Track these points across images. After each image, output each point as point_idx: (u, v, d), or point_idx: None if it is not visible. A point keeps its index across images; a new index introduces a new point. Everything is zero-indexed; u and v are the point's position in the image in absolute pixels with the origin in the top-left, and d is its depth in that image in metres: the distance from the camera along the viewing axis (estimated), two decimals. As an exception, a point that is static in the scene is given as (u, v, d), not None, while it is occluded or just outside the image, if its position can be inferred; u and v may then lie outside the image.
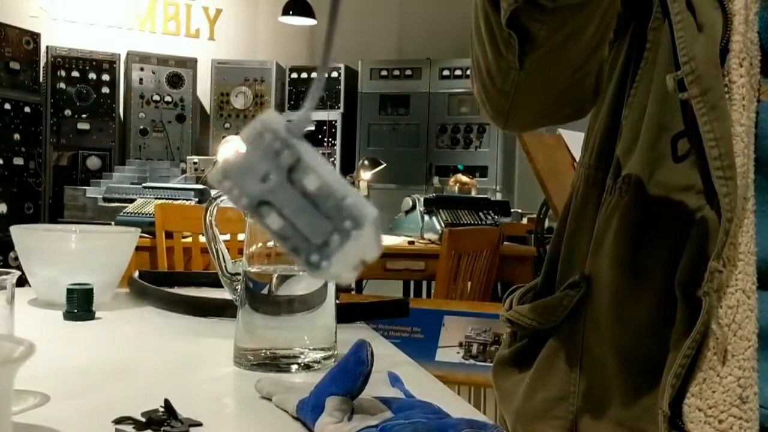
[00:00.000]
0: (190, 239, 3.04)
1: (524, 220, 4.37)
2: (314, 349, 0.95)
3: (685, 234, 0.76)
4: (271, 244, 0.97)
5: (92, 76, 5.80)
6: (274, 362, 0.94)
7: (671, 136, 0.78)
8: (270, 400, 0.80)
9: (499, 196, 5.66)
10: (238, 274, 0.99)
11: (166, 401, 0.73)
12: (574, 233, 0.89)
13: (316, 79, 0.47)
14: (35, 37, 5.54)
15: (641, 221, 0.80)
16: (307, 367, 0.94)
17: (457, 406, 0.79)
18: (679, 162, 0.78)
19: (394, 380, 0.82)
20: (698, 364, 0.73)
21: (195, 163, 4.64)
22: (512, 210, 4.46)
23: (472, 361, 2.34)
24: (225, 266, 1.06)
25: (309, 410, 0.70)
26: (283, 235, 0.46)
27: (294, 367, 0.94)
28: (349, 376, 0.68)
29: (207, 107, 6.41)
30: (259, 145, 0.46)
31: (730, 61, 0.75)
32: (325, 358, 0.95)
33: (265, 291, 0.96)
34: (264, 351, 0.94)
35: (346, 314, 1.15)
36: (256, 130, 0.46)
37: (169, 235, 3.02)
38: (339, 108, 6.18)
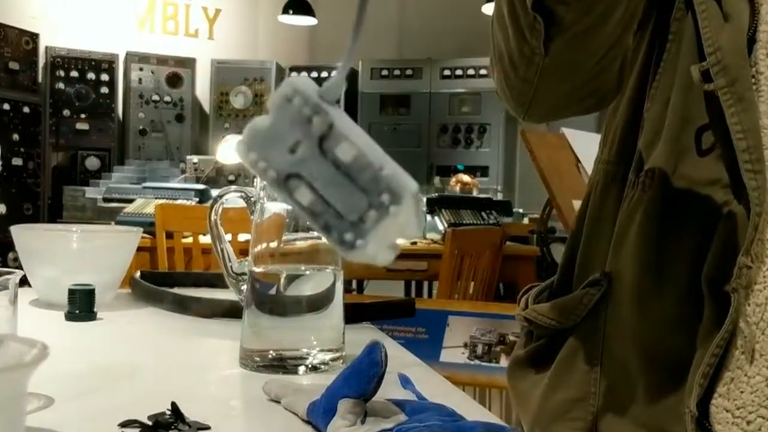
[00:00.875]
0: (190, 239, 3.02)
1: (525, 220, 4.35)
2: (322, 350, 0.93)
3: (712, 229, 0.74)
4: (274, 244, 0.95)
5: (91, 76, 5.78)
6: (281, 363, 0.92)
7: (695, 128, 0.76)
8: (278, 402, 0.78)
9: (500, 196, 5.65)
10: (244, 274, 0.97)
11: (173, 404, 0.71)
12: (593, 230, 0.87)
13: (351, 43, 0.43)
14: (34, 37, 5.52)
15: (665, 216, 0.78)
16: (314, 368, 0.92)
17: (471, 409, 0.78)
18: (703, 156, 0.76)
19: (405, 382, 0.80)
20: (725, 363, 0.71)
21: (195, 163, 4.63)
22: (513, 210, 4.45)
23: (477, 362, 2.32)
24: (230, 266, 1.04)
25: (320, 413, 0.69)
26: (313, 211, 0.42)
27: (301, 368, 0.92)
28: (362, 378, 0.66)
29: (206, 107, 6.39)
30: (287, 111, 0.42)
31: (757, 51, 0.73)
32: (333, 360, 0.94)
33: (271, 291, 0.95)
34: (270, 352, 0.93)
35: (351, 314, 1.13)
36: (284, 94, 0.42)
37: (169, 236, 3.00)
38: (339, 108, 6.16)
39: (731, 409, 0.71)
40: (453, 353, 2.33)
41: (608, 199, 0.85)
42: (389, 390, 0.74)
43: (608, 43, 0.76)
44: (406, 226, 0.42)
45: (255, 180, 0.97)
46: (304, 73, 6.28)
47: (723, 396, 0.71)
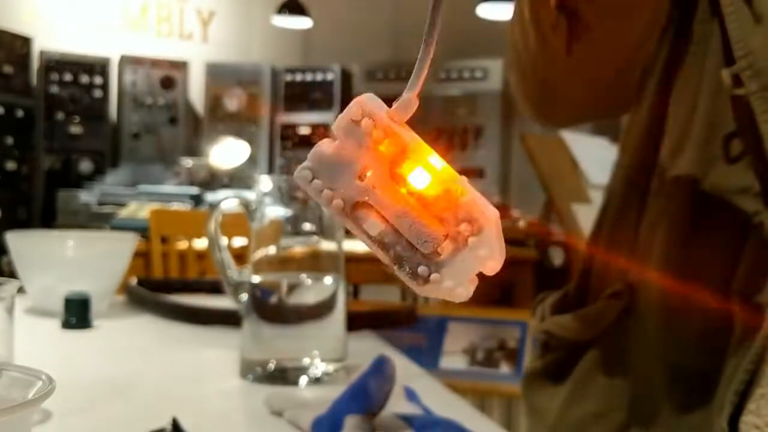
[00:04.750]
0: (185, 244, 3.00)
1: (522, 223, 4.33)
2: (324, 361, 0.92)
3: (743, 239, 0.71)
4: (274, 251, 0.93)
5: (85, 79, 5.75)
6: (283, 375, 0.90)
7: (723, 135, 0.74)
8: (281, 416, 0.76)
9: (496, 199, 5.63)
10: (243, 282, 0.95)
11: (175, 420, 0.70)
12: (612, 239, 0.84)
13: (420, 53, 0.40)
14: (28, 40, 5.50)
15: (693, 226, 0.75)
16: (317, 380, 0.90)
17: (476, 422, 0.76)
18: (732, 163, 0.73)
19: (411, 395, 0.78)
20: (756, 379, 0.68)
21: (189, 166, 4.61)
22: (510, 212, 4.43)
23: (477, 368, 2.31)
24: (229, 275, 1.03)
25: (326, 428, 0.67)
26: (383, 242, 0.39)
27: (303, 379, 0.90)
28: (369, 394, 0.65)
29: (200, 110, 6.37)
30: (354, 134, 0.39)
31: None
32: (335, 370, 0.92)
33: (272, 300, 0.93)
34: (271, 362, 0.91)
35: (351, 322, 1.12)
36: (351, 116, 0.39)
37: (163, 240, 2.98)
38: (334, 111, 6.14)
39: (761, 426, 0.68)
40: (453, 359, 2.32)
41: (629, 206, 0.82)
42: (396, 404, 0.72)
43: (632, 45, 0.74)
44: (486, 259, 0.38)
45: (253, 184, 0.96)
46: (299, 75, 6.27)
47: (753, 413, 0.68)
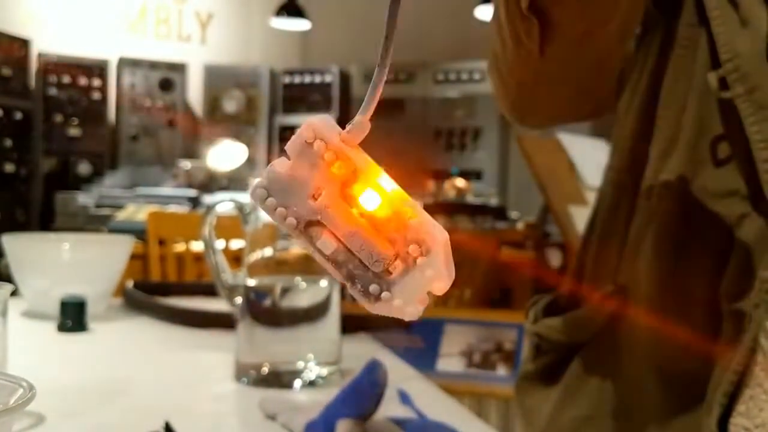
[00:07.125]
0: (182, 246, 3.00)
1: (520, 225, 4.33)
2: (318, 364, 0.92)
3: (731, 242, 0.71)
4: (269, 253, 0.93)
5: (83, 81, 5.74)
6: (277, 378, 0.90)
7: (711, 138, 0.74)
8: (275, 419, 0.76)
9: (494, 200, 5.62)
10: (238, 286, 0.95)
11: (167, 424, 0.70)
12: (602, 241, 0.84)
13: (373, 78, 0.41)
14: (26, 42, 5.50)
15: (682, 229, 0.75)
16: (311, 383, 0.90)
17: (471, 425, 0.76)
18: (720, 166, 0.73)
19: (405, 398, 0.78)
20: (745, 381, 0.68)
21: (187, 168, 4.62)
22: (508, 214, 4.43)
23: (474, 370, 2.30)
24: (224, 278, 1.03)
25: (318, 432, 0.67)
26: (336, 260, 0.40)
27: (297, 382, 0.90)
28: (361, 398, 0.65)
29: (199, 112, 6.36)
30: (307, 155, 0.40)
31: None
32: (330, 374, 0.92)
33: (266, 303, 0.93)
34: (266, 366, 0.91)
35: (346, 325, 1.12)
36: (304, 138, 0.40)
37: (160, 242, 2.98)
38: (332, 112, 6.14)
39: (750, 428, 0.68)
40: (450, 362, 2.32)
41: (619, 209, 0.82)
42: (389, 407, 0.72)
43: (605, 48, 0.74)
44: (434, 279, 0.40)
45: (248, 187, 0.95)
46: (297, 77, 6.26)
47: (742, 414, 0.68)
